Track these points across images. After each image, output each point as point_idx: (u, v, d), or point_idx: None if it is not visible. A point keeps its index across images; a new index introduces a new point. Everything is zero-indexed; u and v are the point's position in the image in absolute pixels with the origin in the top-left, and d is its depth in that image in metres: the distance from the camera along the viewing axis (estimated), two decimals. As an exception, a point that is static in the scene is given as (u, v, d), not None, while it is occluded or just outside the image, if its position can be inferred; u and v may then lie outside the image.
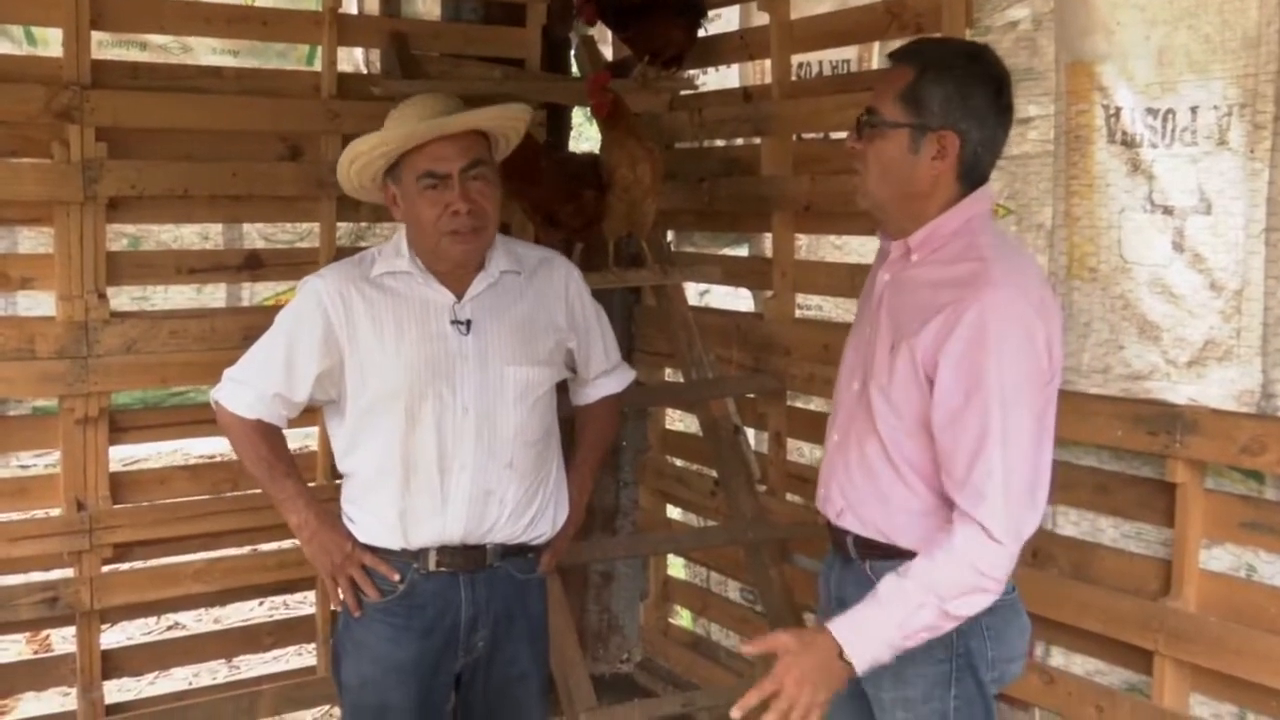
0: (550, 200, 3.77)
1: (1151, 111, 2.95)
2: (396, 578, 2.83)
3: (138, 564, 4.21)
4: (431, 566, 2.83)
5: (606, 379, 3.16)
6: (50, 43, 4.23)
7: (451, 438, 2.79)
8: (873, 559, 2.46)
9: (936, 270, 2.35)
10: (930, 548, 2.28)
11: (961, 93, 2.31)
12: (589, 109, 4.36)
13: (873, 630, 2.26)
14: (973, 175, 2.36)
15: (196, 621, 5.35)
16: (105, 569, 4.04)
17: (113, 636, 4.81)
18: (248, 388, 2.83)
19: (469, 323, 2.82)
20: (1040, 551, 3.30)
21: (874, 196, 2.43)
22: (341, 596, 2.86)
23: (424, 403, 2.78)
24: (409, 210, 2.79)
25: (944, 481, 2.32)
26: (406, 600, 2.85)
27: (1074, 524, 3.29)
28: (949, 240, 2.36)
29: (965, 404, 2.24)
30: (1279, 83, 2.71)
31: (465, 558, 2.85)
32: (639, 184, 3.75)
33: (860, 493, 2.46)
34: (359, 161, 2.79)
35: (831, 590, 2.60)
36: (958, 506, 2.27)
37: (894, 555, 2.40)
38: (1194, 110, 2.87)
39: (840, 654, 2.25)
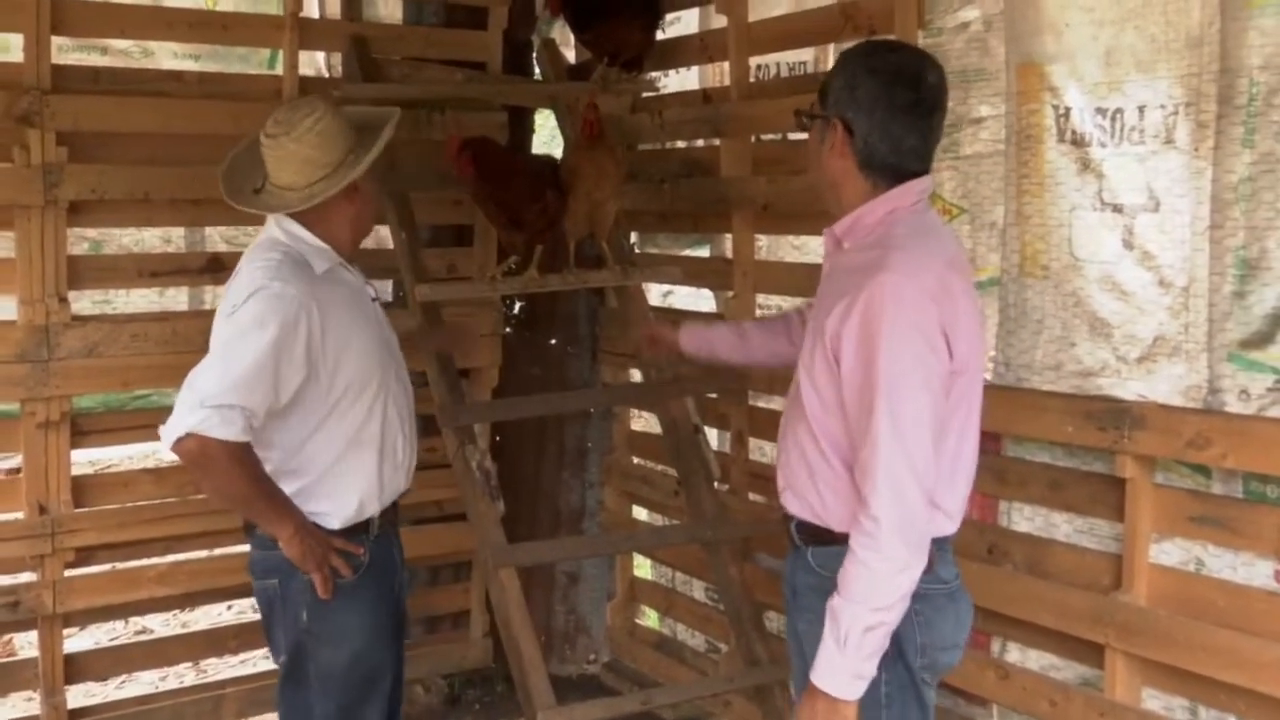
0: (518, 202, 3.78)
1: (1100, 111, 2.99)
2: (361, 551, 3.00)
3: (102, 567, 4.21)
4: (376, 531, 3.06)
5: None
6: (11, 48, 4.22)
7: (398, 406, 3.09)
8: (813, 545, 2.52)
9: (855, 258, 2.44)
10: (846, 555, 2.33)
11: (850, 84, 2.42)
12: (566, 121, 4.40)
13: (834, 661, 2.33)
14: (873, 164, 2.43)
15: (164, 626, 5.34)
16: (68, 573, 4.04)
17: (81, 641, 4.81)
18: (238, 412, 2.71)
19: (377, 299, 3.15)
20: (995, 548, 3.34)
21: (814, 185, 2.59)
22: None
23: (388, 377, 3.05)
24: (367, 203, 3.08)
25: None
26: (372, 570, 3.03)
27: (1028, 520, 3.33)
28: (872, 230, 2.45)
29: (862, 384, 2.31)
30: (1221, 82, 2.75)
31: (392, 515, 3.15)
32: (600, 188, 3.77)
33: (795, 471, 2.53)
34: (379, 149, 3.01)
35: (786, 577, 2.67)
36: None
37: (830, 541, 2.45)
38: (1141, 109, 2.91)
39: (828, 695, 2.33)
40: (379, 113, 3.19)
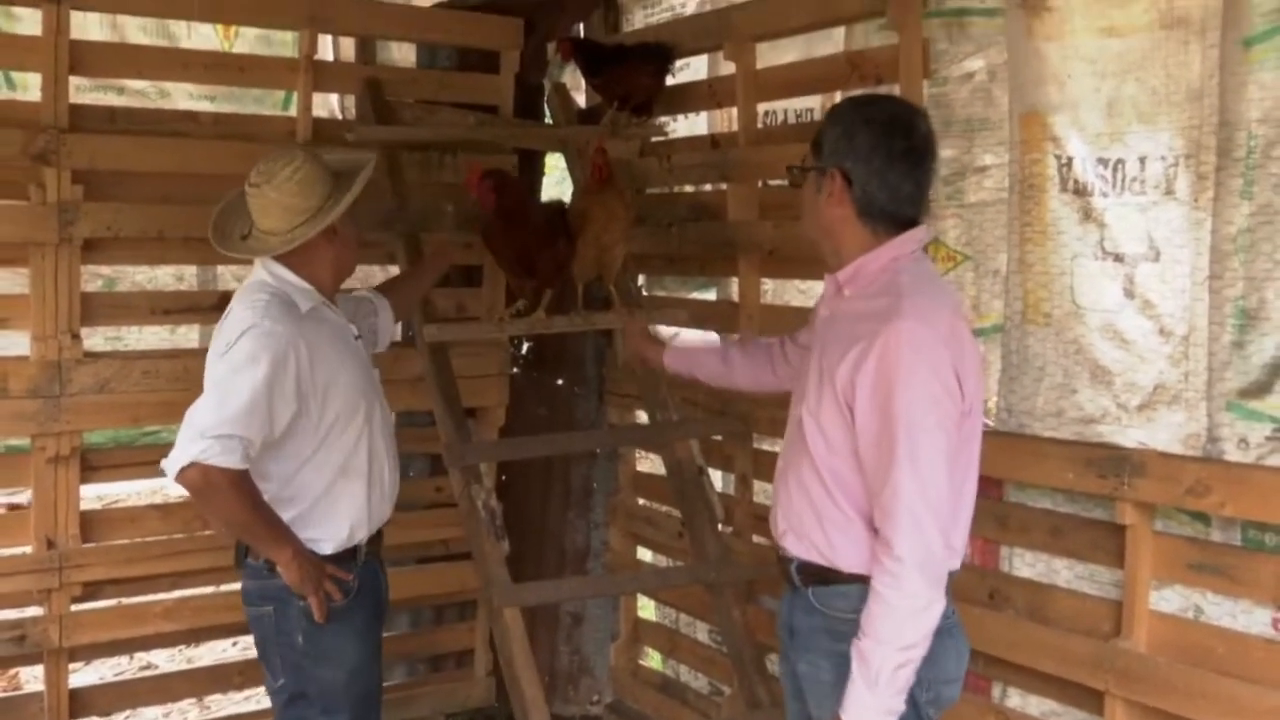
0: (532, 247, 3.82)
1: (1102, 161, 3.02)
2: (350, 576, 3.17)
3: (108, 602, 4.22)
4: (362, 559, 3.24)
5: (378, 301, 3.63)
6: (29, 87, 4.29)
7: (389, 436, 3.31)
8: (814, 585, 2.56)
9: (860, 305, 2.50)
10: (869, 596, 2.37)
11: (847, 134, 2.49)
12: (576, 165, 4.45)
13: (864, 699, 2.37)
14: (871, 212, 2.49)
15: (169, 661, 5.35)
16: (74, 607, 4.06)
17: (86, 676, 4.82)
18: (237, 441, 2.88)
19: (360, 337, 3.32)
20: (997, 593, 3.35)
21: (808, 236, 2.64)
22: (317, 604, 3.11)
23: (373, 410, 3.23)
24: (346, 244, 3.24)
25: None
26: (361, 594, 3.22)
27: (1030, 566, 3.34)
28: (876, 277, 2.50)
29: (880, 428, 2.37)
30: (1221, 134, 2.79)
31: (377, 543, 3.33)
32: (609, 232, 3.80)
33: (798, 513, 2.57)
34: (354, 194, 3.15)
35: (784, 618, 2.70)
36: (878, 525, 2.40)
37: (832, 580, 2.50)
38: (1142, 160, 2.94)
39: None
40: (357, 159, 3.32)
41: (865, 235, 2.51)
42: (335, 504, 3.16)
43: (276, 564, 3.06)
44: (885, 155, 2.46)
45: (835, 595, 2.47)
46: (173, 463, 2.89)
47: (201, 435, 2.85)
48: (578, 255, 3.82)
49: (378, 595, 3.34)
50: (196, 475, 2.87)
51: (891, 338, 2.35)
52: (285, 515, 3.09)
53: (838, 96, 3.92)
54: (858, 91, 3.57)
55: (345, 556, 3.19)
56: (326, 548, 3.14)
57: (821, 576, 2.54)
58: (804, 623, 2.59)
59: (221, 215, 3.26)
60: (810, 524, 2.54)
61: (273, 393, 2.95)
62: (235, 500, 2.92)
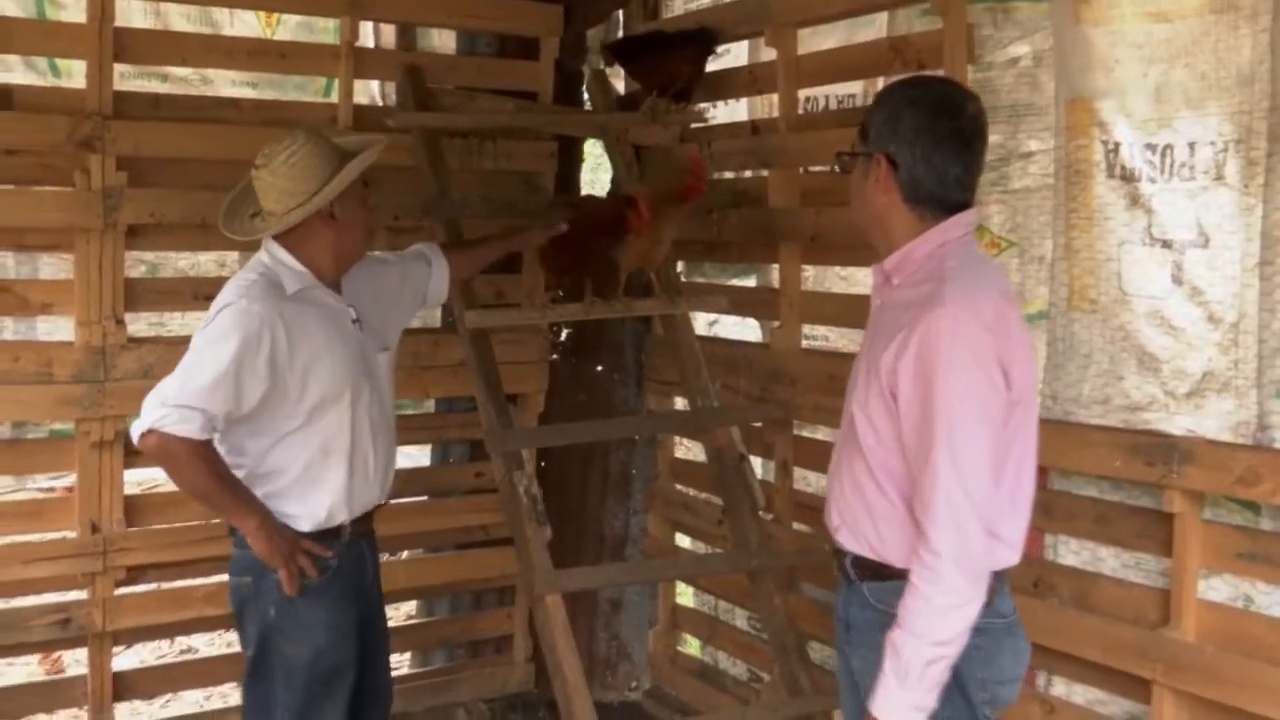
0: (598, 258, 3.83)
1: (1150, 147, 3.00)
2: (330, 554, 3.18)
3: (149, 586, 4.25)
4: (347, 538, 3.24)
5: (434, 258, 3.63)
6: (74, 74, 4.32)
7: (371, 421, 3.25)
8: (868, 580, 2.53)
9: (907, 293, 2.45)
10: (906, 589, 2.34)
11: (891, 118, 2.44)
12: (615, 152, 4.45)
13: (893, 692, 2.34)
14: (919, 196, 2.44)
15: (209, 645, 5.39)
16: (118, 591, 4.09)
17: (127, 660, 4.85)
18: (198, 413, 2.96)
19: (359, 321, 3.28)
20: (1041, 581, 3.33)
21: (856, 223, 2.60)
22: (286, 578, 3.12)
23: (360, 394, 3.21)
24: (352, 221, 3.19)
25: None
26: (340, 573, 3.22)
27: (1075, 554, 3.32)
28: (922, 264, 2.45)
29: (921, 417, 2.32)
30: (1271, 119, 2.76)
31: (366, 524, 3.33)
32: (667, 230, 3.79)
33: (851, 508, 2.53)
34: (345, 179, 3.12)
35: (839, 612, 2.66)
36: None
37: (886, 575, 2.46)
38: (1191, 145, 2.92)
39: None
40: (368, 141, 3.33)
41: (913, 221, 2.45)
42: (315, 484, 3.17)
43: (244, 535, 3.10)
44: (931, 137, 2.40)
45: (891, 591, 2.42)
46: (135, 427, 3.02)
47: (163, 404, 2.96)
48: (629, 248, 3.79)
49: (358, 577, 3.31)
50: (155, 442, 2.97)
51: (932, 324, 2.30)
52: (260, 490, 3.13)
53: (880, 82, 3.91)
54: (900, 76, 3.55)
55: (327, 535, 3.20)
56: (304, 525, 3.16)
57: (875, 571, 2.50)
58: (859, 617, 2.55)
59: (236, 198, 3.30)
60: (862, 518, 2.50)
61: (241, 369, 2.99)
62: (195, 468, 3.00)
